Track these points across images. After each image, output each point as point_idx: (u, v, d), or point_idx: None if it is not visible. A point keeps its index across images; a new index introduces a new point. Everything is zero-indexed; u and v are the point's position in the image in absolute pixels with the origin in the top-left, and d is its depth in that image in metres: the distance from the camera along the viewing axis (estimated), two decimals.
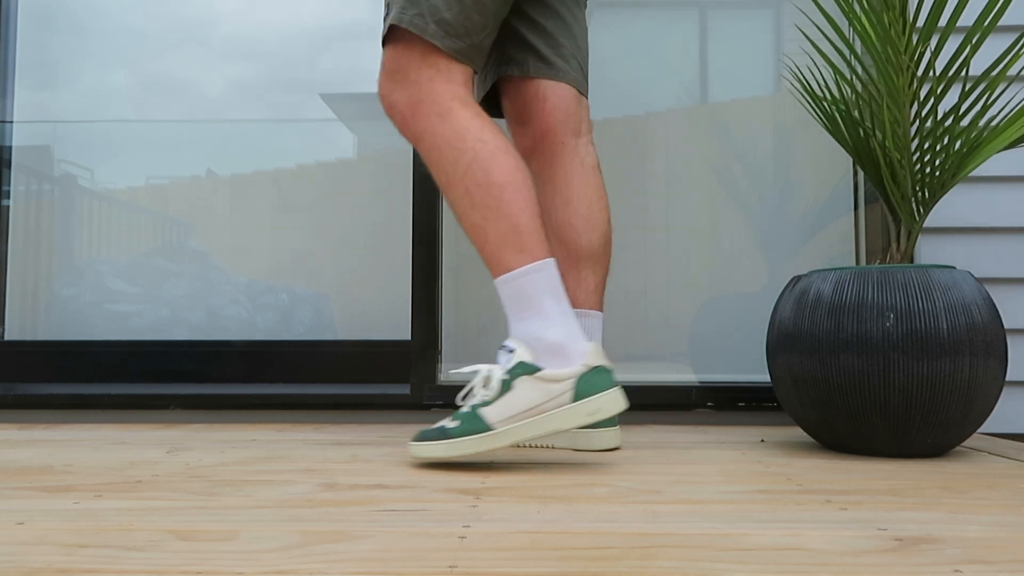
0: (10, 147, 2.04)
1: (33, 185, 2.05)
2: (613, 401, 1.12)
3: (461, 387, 1.79)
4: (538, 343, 1.14)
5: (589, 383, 1.12)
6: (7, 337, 2.00)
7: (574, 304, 1.37)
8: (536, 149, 1.41)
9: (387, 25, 1.25)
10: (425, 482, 1.04)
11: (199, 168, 2.03)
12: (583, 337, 1.15)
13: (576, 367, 1.12)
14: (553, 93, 1.39)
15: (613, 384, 1.13)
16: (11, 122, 2.04)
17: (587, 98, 1.45)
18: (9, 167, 2.03)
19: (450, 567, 0.67)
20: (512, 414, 1.12)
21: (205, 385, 1.88)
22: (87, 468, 1.15)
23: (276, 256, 2.00)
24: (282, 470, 1.13)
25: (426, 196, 1.77)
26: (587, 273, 1.38)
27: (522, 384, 1.12)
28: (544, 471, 1.13)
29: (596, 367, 1.14)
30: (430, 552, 0.71)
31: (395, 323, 1.84)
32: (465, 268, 1.87)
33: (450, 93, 1.22)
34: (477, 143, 1.18)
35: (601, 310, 1.39)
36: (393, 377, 1.80)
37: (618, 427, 1.34)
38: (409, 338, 1.78)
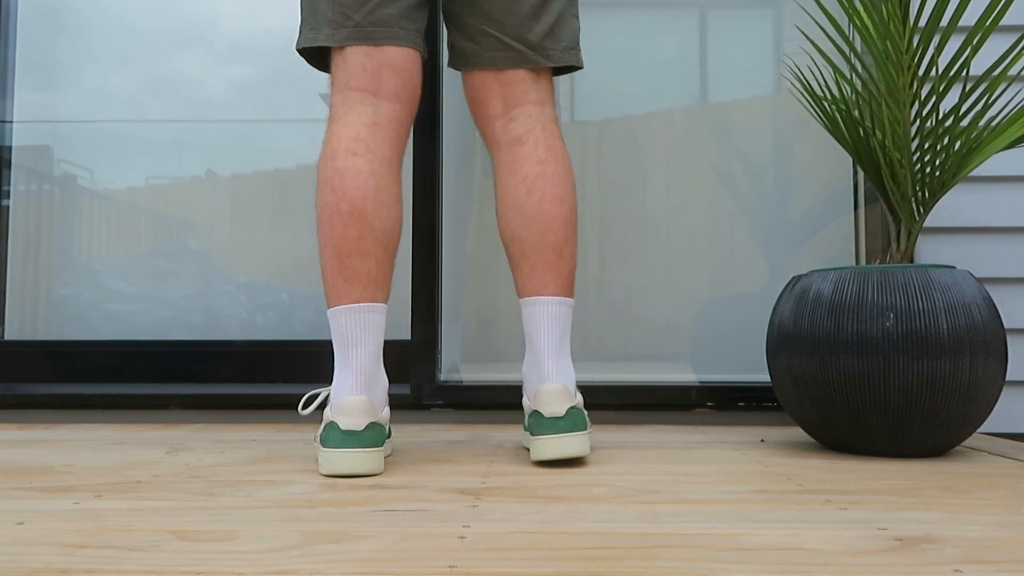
0: (10, 147, 2.04)
1: (33, 185, 2.04)
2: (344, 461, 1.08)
3: (460, 387, 1.80)
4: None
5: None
6: (7, 337, 2.00)
7: (520, 294, 1.26)
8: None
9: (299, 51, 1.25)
10: (425, 482, 1.04)
11: (199, 168, 2.03)
12: (349, 391, 1.12)
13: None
14: (469, 84, 1.31)
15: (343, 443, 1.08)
16: (11, 122, 2.04)
17: (523, 68, 1.26)
18: (9, 167, 2.03)
19: (450, 567, 0.67)
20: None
21: (205, 385, 1.88)
22: (87, 468, 1.14)
23: (276, 256, 2.00)
24: (282, 470, 1.13)
25: (426, 196, 1.77)
26: (519, 259, 1.25)
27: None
28: (544, 471, 1.13)
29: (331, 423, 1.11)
30: (430, 552, 0.71)
31: (395, 323, 1.84)
32: (468, 267, 1.88)
33: (334, 105, 1.19)
34: (319, 162, 1.17)
35: (544, 294, 1.22)
36: (393, 377, 1.79)
37: (575, 433, 1.14)
38: (409, 338, 1.78)
